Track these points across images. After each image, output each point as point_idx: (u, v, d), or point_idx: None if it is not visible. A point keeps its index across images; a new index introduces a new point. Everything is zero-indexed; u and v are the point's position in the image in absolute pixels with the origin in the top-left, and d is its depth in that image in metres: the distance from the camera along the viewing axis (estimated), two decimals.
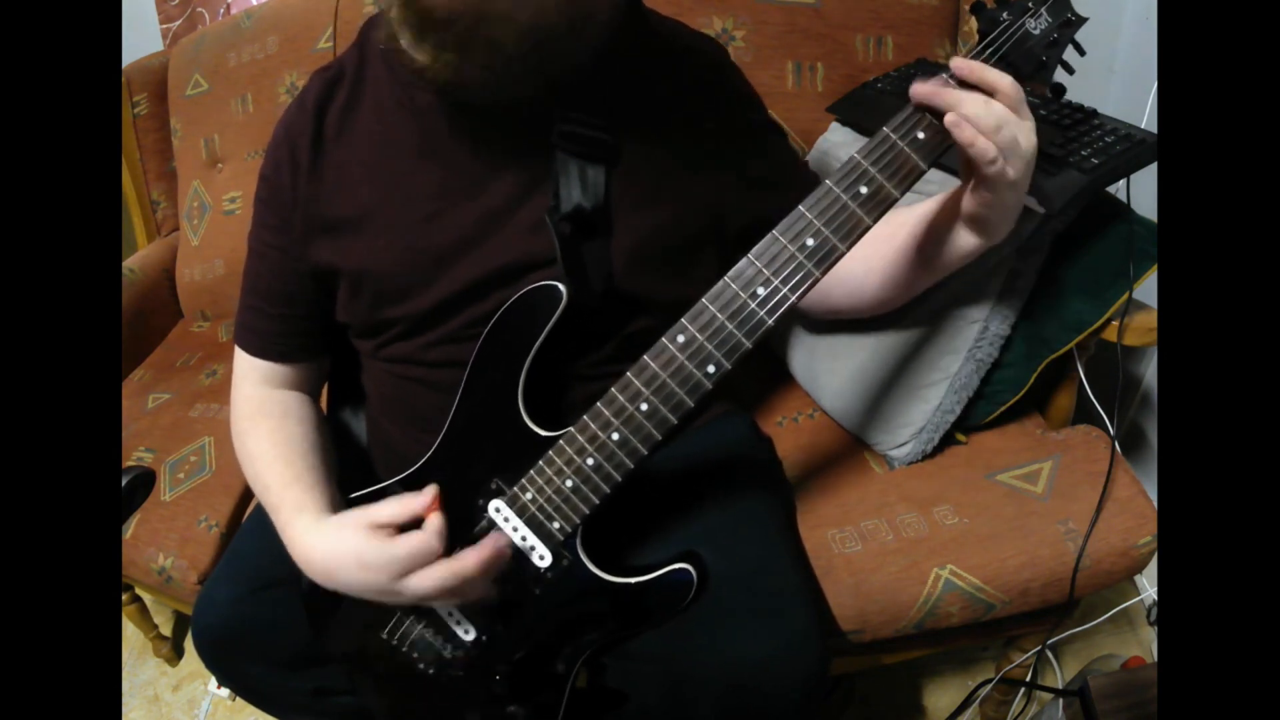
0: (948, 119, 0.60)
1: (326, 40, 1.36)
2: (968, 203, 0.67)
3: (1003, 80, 0.60)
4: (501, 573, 0.69)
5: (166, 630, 1.46)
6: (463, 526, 0.70)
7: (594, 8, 0.61)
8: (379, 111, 0.72)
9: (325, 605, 0.71)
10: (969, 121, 0.59)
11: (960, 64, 0.61)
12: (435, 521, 0.65)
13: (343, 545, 0.66)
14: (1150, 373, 1.35)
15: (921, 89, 0.60)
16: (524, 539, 0.68)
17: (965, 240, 0.70)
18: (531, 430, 0.68)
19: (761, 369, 1.19)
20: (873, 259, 0.79)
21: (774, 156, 0.82)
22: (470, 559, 0.64)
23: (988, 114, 0.59)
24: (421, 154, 0.71)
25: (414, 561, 0.64)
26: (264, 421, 0.79)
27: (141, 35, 1.62)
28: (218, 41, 1.45)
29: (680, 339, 0.61)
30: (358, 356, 0.83)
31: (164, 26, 1.64)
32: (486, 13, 0.57)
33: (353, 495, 0.76)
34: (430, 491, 0.66)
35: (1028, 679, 1.11)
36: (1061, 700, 1.09)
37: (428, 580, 0.64)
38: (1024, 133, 0.61)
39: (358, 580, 0.66)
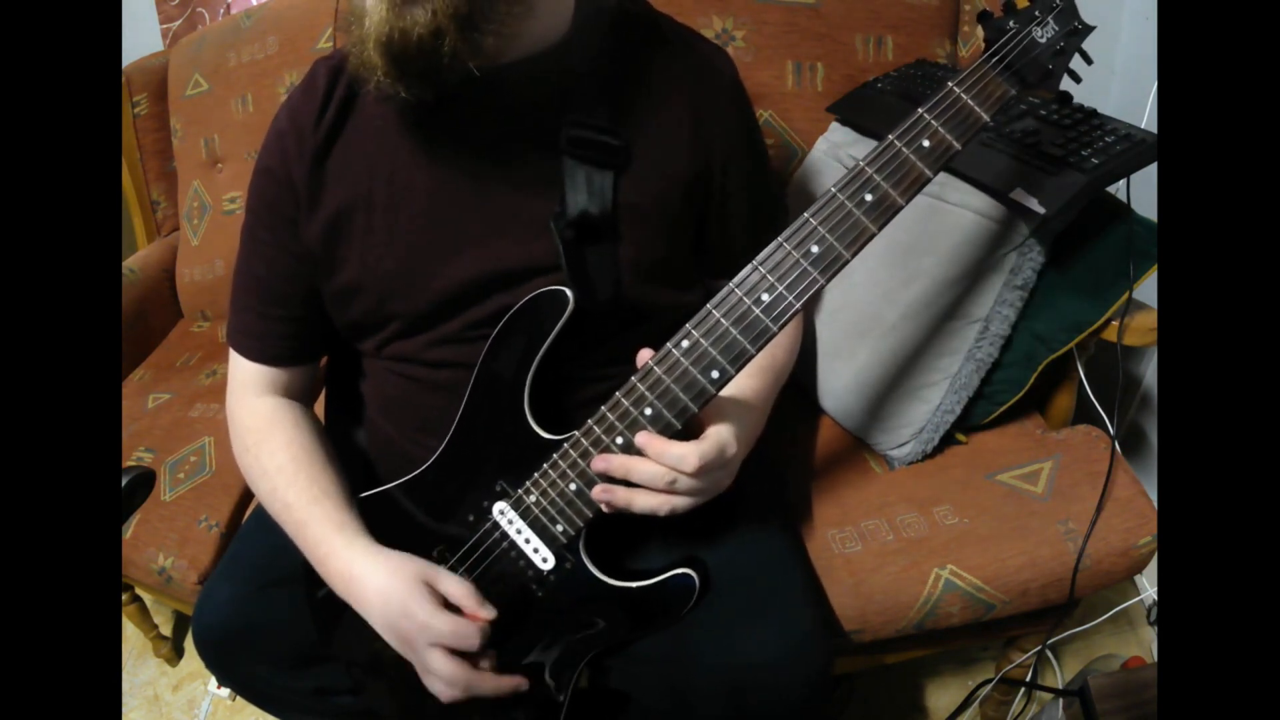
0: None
1: (326, 40, 1.36)
2: None
3: (685, 460, 0.61)
4: (503, 577, 0.70)
5: (166, 630, 1.46)
6: (467, 528, 0.70)
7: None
8: (381, 104, 0.71)
9: (335, 610, 0.71)
10: (645, 485, 0.62)
11: (641, 440, 0.62)
12: (482, 624, 0.66)
13: (397, 587, 0.67)
14: (1150, 373, 1.35)
15: (596, 464, 0.64)
16: (527, 541, 0.68)
17: None
18: (536, 433, 0.68)
19: None
20: None
21: (759, 188, 0.82)
22: (488, 683, 0.67)
23: (654, 477, 0.62)
24: (424, 148, 0.70)
25: (449, 643, 0.65)
26: (277, 434, 0.78)
27: (141, 35, 1.62)
28: (218, 41, 1.45)
29: (685, 344, 0.61)
30: (352, 361, 0.82)
31: (164, 26, 1.64)
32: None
33: (362, 495, 0.75)
34: (491, 613, 0.67)
35: (1028, 679, 1.11)
36: (1061, 700, 1.09)
37: (446, 666, 0.65)
38: (703, 486, 0.64)
39: (390, 623, 0.67)
